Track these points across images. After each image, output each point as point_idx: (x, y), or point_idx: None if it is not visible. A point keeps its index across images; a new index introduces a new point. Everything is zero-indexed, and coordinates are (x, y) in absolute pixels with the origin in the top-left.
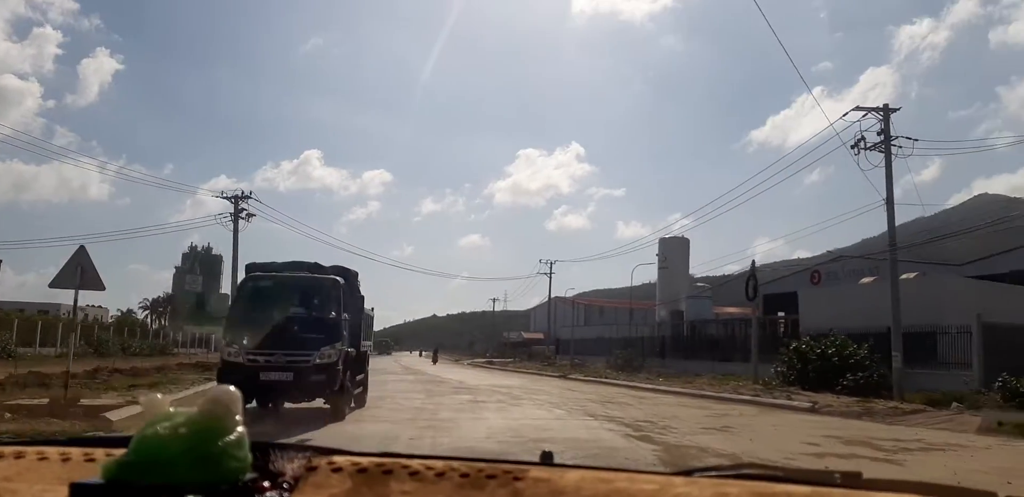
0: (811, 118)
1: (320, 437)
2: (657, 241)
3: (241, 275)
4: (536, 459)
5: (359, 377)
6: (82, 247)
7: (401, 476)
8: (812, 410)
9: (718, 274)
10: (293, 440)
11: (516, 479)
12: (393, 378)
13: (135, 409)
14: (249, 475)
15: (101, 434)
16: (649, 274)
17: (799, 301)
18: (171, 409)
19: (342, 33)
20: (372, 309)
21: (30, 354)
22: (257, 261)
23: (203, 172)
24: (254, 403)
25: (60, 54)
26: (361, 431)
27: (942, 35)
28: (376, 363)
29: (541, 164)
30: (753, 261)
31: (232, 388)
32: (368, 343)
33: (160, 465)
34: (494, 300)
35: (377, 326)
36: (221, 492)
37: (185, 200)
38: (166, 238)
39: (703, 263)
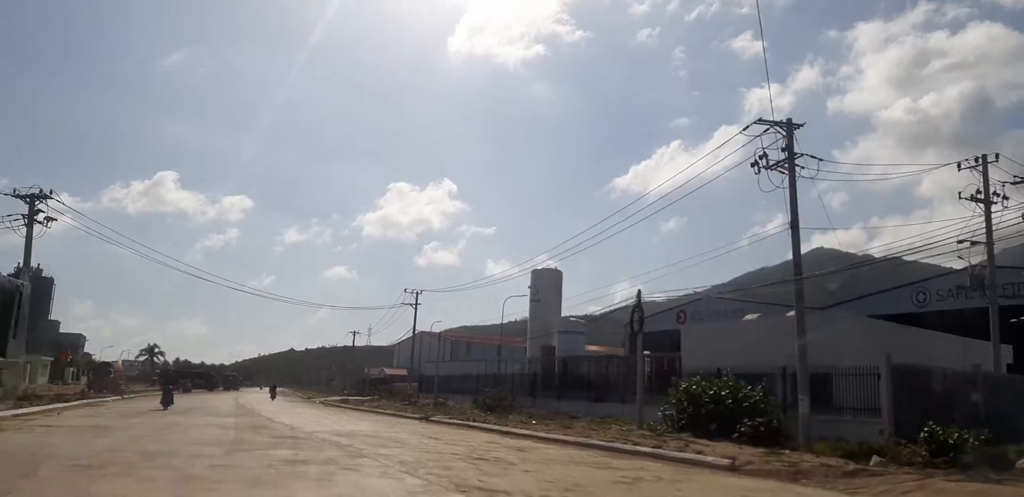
0: (669, 169)
1: None
2: (530, 273)
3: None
4: None
5: None
6: None
7: None
8: (732, 469)
9: (579, 313)
10: None
11: None
12: (205, 421)
13: None
14: None
15: None
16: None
17: (681, 337)
18: None
19: (208, 50)
20: None
21: None
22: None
23: (42, 187)
24: None
25: None
26: None
27: (787, 100)
28: (210, 400)
29: (413, 199)
30: (639, 290)
31: None
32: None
33: None
34: (355, 333)
35: (229, 359)
36: None
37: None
38: None
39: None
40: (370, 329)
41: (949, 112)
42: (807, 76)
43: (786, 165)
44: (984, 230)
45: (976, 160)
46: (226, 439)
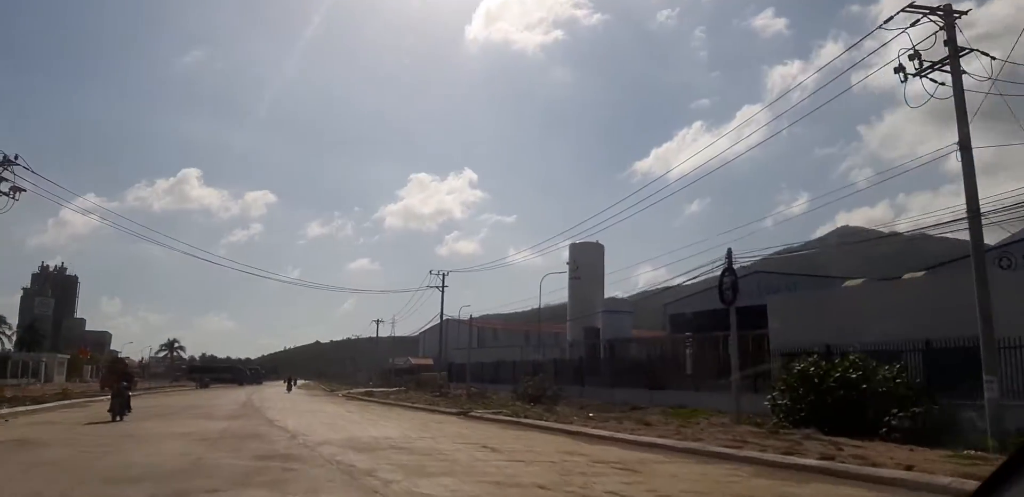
0: (691, 151)
1: None
2: (567, 248)
3: None
4: None
5: None
6: None
7: None
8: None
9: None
10: None
11: None
12: (182, 429)
13: None
14: None
15: None
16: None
17: (768, 311)
18: None
19: (226, 47)
20: None
21: None
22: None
23: (69, 188)
24: None
25: None
26: None
27: (811, 76)
28: (219, 397)
29: (433, 189)
30: (729, 249)
31: None
32: None
33: None
34: (378, 321)
35: (255, 353)
36: None
37: (46, 220)
38: (13, 254)
39: None
40: (393, 319)
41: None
42: (831, 51)
43: (931, 73)
44: None
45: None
46: (176, 465)
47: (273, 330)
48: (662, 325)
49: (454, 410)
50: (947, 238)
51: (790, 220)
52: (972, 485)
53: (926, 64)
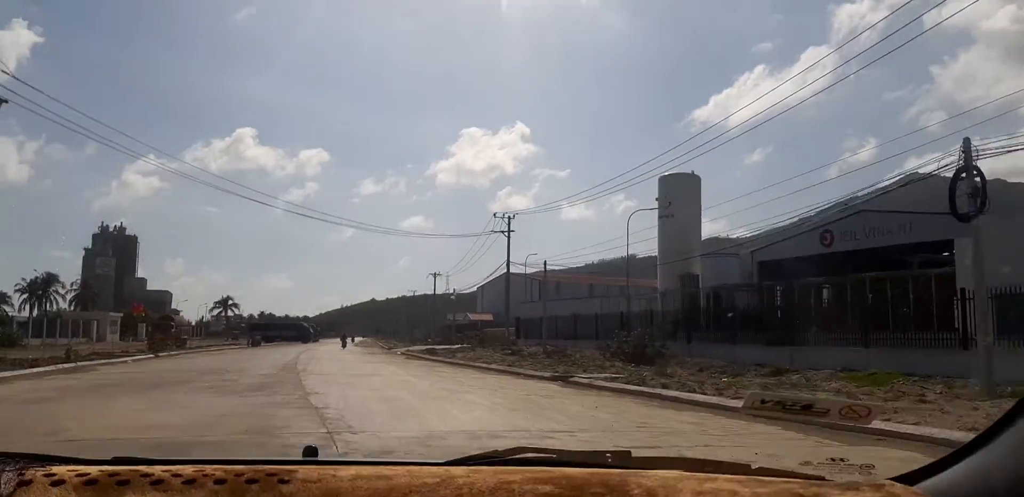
0: (752, 96)
1: None
2: (657, 181)
3: None
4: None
5: None
6: None
7: (141, 486)
8: None
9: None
10: None
11: (282, 482)
12: (189, 400)
13: None
14: None
15: None
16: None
17: (956, 247)
18: None
19: (278, 4)
20: None
21: None
22: None
23: (130, 151)
24: None
25: None
26: None
27: (880, 14)
28: (267, 355)
29: (485, 144)
30: (966, 140)
31: None
32: None
33: None
34: (435, 275)
35: (312, 312)
36: None
37: (110, 182)
38: (80, 216)
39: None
40: (448, 275)
41: None
42: None
43: None
44: None
45: None
46: None
47: (330, 288)
48: (747, 275)
49: (547, 374)
50: None
51: (856, 168)
52: None
53: None
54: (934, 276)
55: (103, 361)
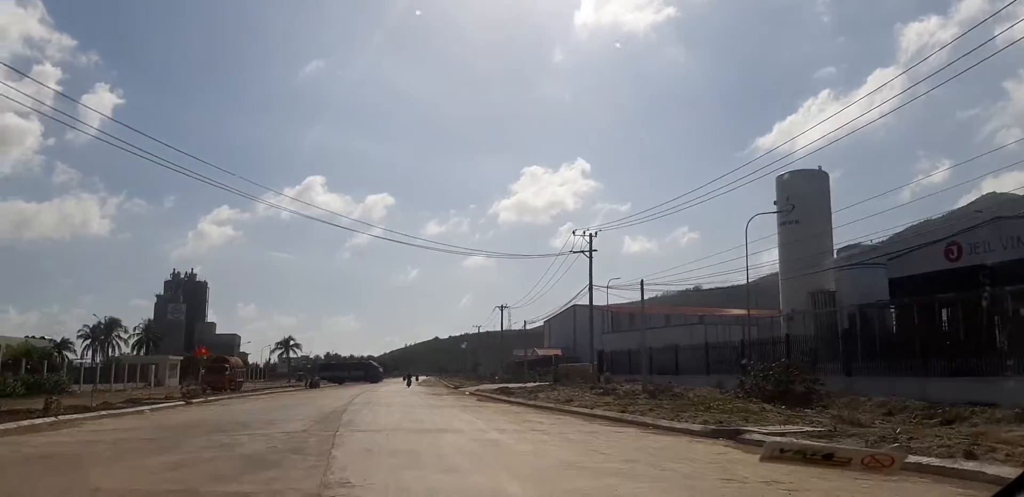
0: (818, 121)
1: None
2: (774, 182)
3: None
4: None
5: None
6: None
7: None
8: None
9: (724, 284)
10: None
11: None
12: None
13: None
14: None
15: None
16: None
17: None
18: None
19: (342, 55)
20: None
21: None
22: None
23: (206, 203)
24: None
25: (60, 91)
26: None
27: (950, 32)
28: (316, 400)
29: (546, 181)
30: None
31: None
32: None
33: None
34: (502, 307)
35: (377, 351)
36: None
37: (186, 233)
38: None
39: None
40: (510, 314)
41: None
42: (972, 4)
43: None
44: None
45: None
46: None
47: (394, 328)
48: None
49: (694, 426)
50: None
51: (929, 190)
52: None
53: None
54: None
55: (107, 412)
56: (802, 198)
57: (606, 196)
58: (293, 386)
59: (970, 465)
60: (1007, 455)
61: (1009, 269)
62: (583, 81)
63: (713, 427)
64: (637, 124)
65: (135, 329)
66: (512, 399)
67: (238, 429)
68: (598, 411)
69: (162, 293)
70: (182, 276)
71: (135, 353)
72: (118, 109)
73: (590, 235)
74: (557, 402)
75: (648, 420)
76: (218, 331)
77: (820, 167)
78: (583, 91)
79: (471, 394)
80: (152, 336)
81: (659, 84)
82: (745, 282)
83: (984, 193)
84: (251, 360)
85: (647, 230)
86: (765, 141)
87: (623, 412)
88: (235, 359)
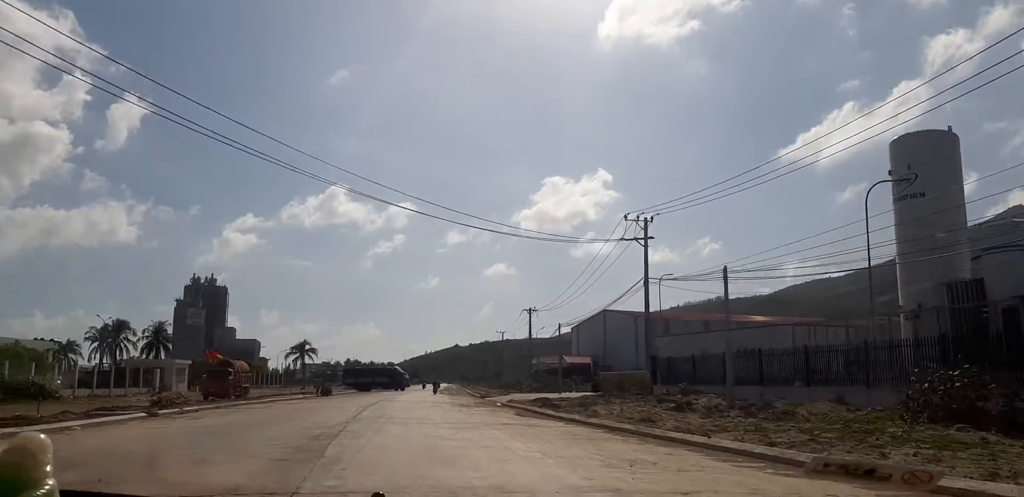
0: (844, 132)
1: None
2: (887, 146)
3: None
4: None
5: None
6: None
7: None
8: None
9: (748, 294)
10: None
11: None
12: None
13: None
14: None
15: None
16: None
17: None
18: None
19: (366, 65)
20: None
21: None
22: None
23: (230, 211)
24: None
25: (89, 100)
26: None
27: (976, 45)
28: (321, 411)
29: (567, 192)
30: None
31: (42, 435)
32: None
33: None
34: (530, 310)
35: (397, 358)
36: None
37: (211, 240)
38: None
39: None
40: (529, 323)
41: None
42: (1000, 18)
43: None
44: None
45: None
46: None
47: (414, 335)
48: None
49: (975, 482)
50: None
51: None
52: None
53: None
54: None
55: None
56: (925, 166)
57: (628, 206)
58: (303, 393)
59: None
60: None
61: None
62: (606, 92)
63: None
64: (660, 135)
65: (144, 332)
66: (562, 414)
67: (166, 468)
68: (727, 442)
69: (182, 298)
70: (202, 281)
71: (144, 357)
72: (146, 118)
73: (645, 220)
74: (632, 421)
75: (782, 453)
76: (238, 336)
77: (950, 128)
78: (606, 102)
79: (505, 406)
80: (162, 339)
81: (682, 97)
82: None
83: (1010, 206)
84: (271, 366)
85: (670, 241)
86: (790, 153)
87: (771, 445)
88: (240, 363)
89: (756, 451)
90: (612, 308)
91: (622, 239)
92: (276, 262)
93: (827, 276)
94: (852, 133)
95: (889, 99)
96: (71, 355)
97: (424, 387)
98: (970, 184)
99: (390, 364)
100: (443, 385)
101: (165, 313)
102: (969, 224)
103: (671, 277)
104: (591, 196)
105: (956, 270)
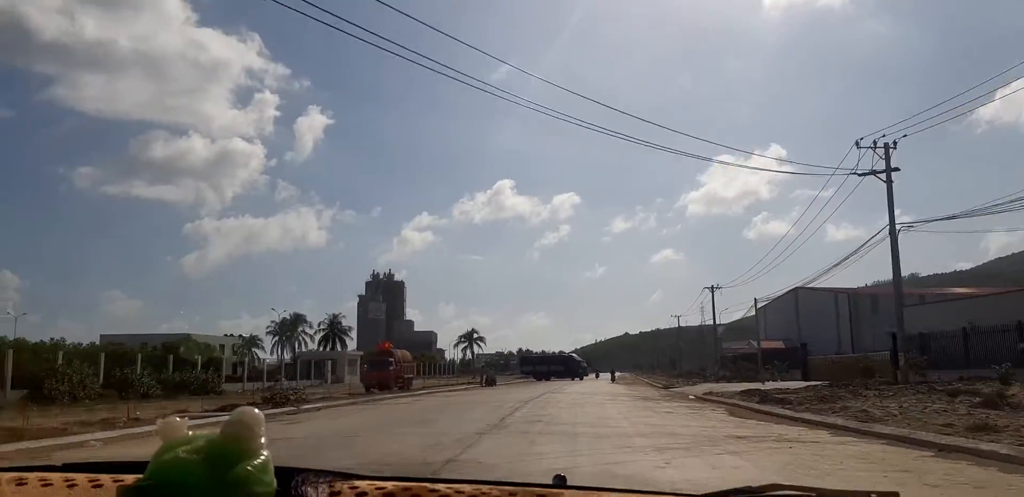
0: None
1: None
2: None
3: None
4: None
5: None
6: None
7: None
8: None
9: (947, 270)
10: None
11: None
12: None
13: None
14: None
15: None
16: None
17: None
18: (189, 432)
19: (529, 57)
20: None
21: None
22: None
23: (408, 211)
24: None
25: (278, 116)
26: None
27: None
28: (473, 407)
29: (737, 170)
30: None
31: (255, 410)
32: None
33: (181, 490)
34: (712, 287)
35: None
36: None
37: (391, 239)
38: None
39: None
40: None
41: None
42: None
43: None
44: None
45: None
46: None
47: (584, 324)
48: None
49: None
50: None
51: None
52: None
53: None
54: None
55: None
56: None
57: (805, 181)
58: (469, 384)
59: None
60: None
61: None
62: (776, 62)
63: None
64: (837, 103)
65: (319, 325)
66: (808, 416)
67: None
68: None
69: (363, 294)
70: (381, 277)
71: (321, 349)
72: (328, 128)
73: (886, 145)
74: (957, 431)
75: None
76: (416, 329)
77: None
78: (777, 72)
79: (703, 400)
80: (337, 331)
81: (859, 59)
82: None
83: None
84: (447, 356)
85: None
86: (986, 111)
87: None
88: (403, 353)
89: None
90: (809, 285)
91: (853, 172)
92: (450, 257)
93: None
94: None
95: None
96: (255, 349)
97: (598, 377)
98: None
99: (560, 353)
100: (617, 374)
101: (351, 309)
102: None
103: (923, 220)
104: (764, 173)
105: None
